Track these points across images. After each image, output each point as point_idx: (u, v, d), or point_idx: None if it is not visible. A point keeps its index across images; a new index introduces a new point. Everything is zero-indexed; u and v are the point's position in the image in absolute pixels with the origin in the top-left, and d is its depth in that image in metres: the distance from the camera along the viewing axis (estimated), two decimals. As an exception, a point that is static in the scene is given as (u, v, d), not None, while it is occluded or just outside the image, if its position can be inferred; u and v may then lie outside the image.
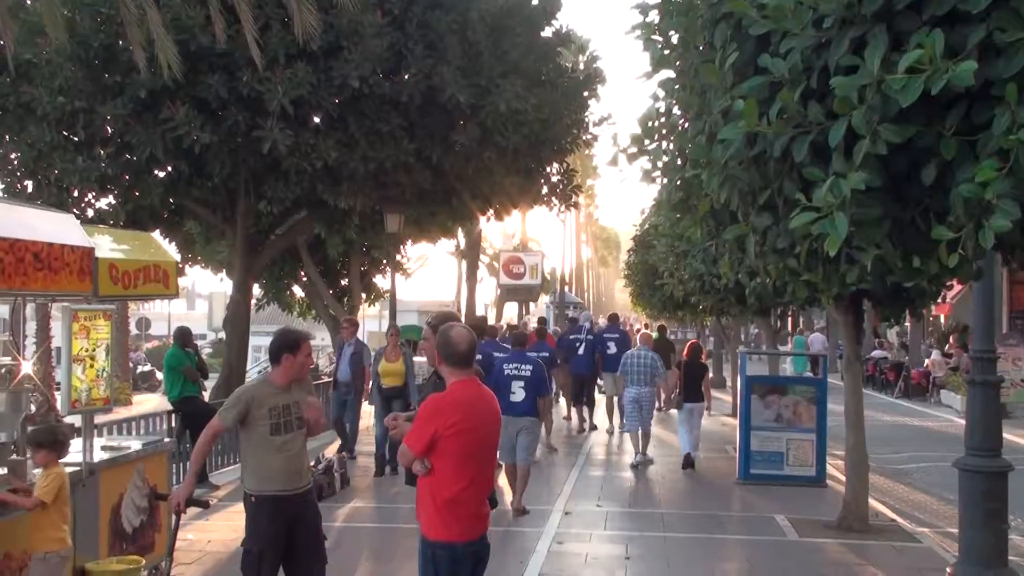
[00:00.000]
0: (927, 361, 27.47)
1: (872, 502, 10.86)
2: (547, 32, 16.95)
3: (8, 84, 13.99)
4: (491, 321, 45.73)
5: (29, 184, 15.79)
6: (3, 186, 16.13)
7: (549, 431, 16.02)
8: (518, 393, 10.70)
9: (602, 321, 25.45)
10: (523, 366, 10.84)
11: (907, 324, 30.97)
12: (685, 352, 14.87)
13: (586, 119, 17.81)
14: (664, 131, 4.63)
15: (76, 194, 15.59)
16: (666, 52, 4.55)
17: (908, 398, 26.76)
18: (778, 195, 3.86)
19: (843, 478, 11.04)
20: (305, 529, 6.11)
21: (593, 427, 18.30)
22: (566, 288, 52.67)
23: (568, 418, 18.78)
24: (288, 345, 6.08)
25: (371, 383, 13.63)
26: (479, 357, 11.44)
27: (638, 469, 13.80)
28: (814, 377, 15.40)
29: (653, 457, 14.34)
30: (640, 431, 13.96)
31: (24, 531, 5.91)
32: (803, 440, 12.60)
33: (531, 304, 43.31)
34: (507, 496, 11.09)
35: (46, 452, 6.11)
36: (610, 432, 17.89)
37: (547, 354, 15.32)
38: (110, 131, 14.13)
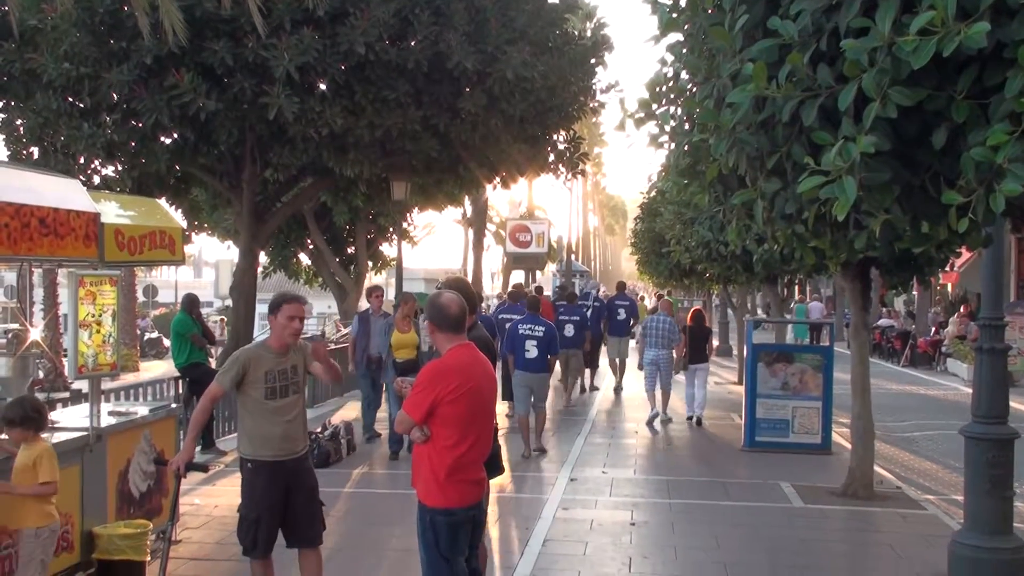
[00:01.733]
0: (945, 331, 27.32)
1: (877, 469, 10.89)
2: (554, -2, 16.82)
3: (13, 51, 13.93)
4: (498, 290, 45.69)
5: (35, 151, 15.79)
6: (9, 153, 16.14)
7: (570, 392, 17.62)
8: (532, 351, 12.27)
9: (602, 291, 25.76)
10: (536, 327, 12.38)
11: (914, 293, 30.93)
12: (689, 318, 15.90)
13: (593, 86, 17.69)
14: (672, 95, 4.59)
15: (82, 161, 15.58)
16: (674, 15, 4.49)
17: (914, 366, 26.77)
18: (787, 159, 3.83)
19: (849, 446, 11.07)
20: (302, 494, 6.13)
21: (595, 388, 19.63)
22: (572, 256, 52.61)
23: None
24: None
25: (384, 357, 12.42)
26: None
27: (653, 424, 14.85)
28: (821, 345, 15.42)
29: (671, 417, 15.30)
30: (659, 389, 15.16)
31: (13, 507, 5.78)
32: (809, 408, 12.62)
33: (538, 272, 43.29)
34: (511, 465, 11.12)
35: (20, 429, 5.79)
36: (617, 390, 19.34)
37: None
38: (116, 98, 14.07)
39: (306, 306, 7.07)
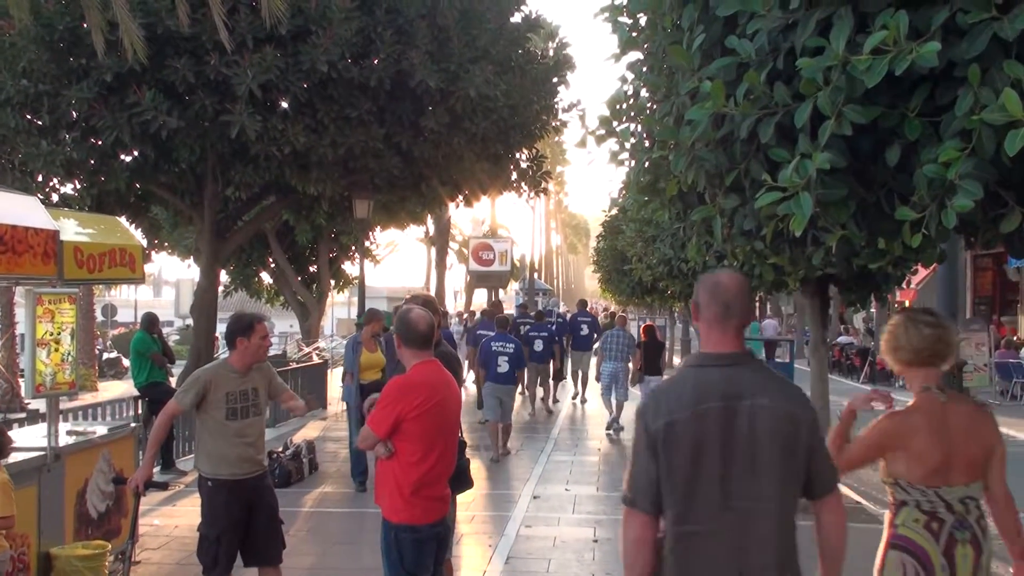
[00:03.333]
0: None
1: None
2: (516, 18, 16.93)
3: (-30, 67, 13.79)
4: (459, 308, 45.67)
5: (-8, 168, 15.59)
6: (-35, 171, 15.92)
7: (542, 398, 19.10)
8: (504, 366, 13.36)
9: (562, 309, 26.33)
10: (507, 344, 13.47)
11: (873, 310, 31.30)
12: (642, 333, 16.50)
13: (555, 105, 17.82)
14: (632, 113, 4.65)
15: (40, 179, 15.41)
16: (634, 35, 4.56)
17: (874, 383, 27.03)
18: (745, 176, 3.89)
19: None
20: (263, 513, 6.10)
21: (556, 400, 20.30)
22: (535, 275, 52.73)
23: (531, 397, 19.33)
24: (242, 328, 6.05)
25: (347, 379, 11.45)
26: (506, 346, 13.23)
27: (611, 434, 15.77)
28: (780, 362, 15.54)
29: (624, 426, 15.76)
30: (615, 401, 15.99)
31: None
32: (770, 424, 12.70)
33: (500, 291, 43.32)
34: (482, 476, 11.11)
35: None
36: (575, 398, 20.90)
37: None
38: (75, 115, 13.94)
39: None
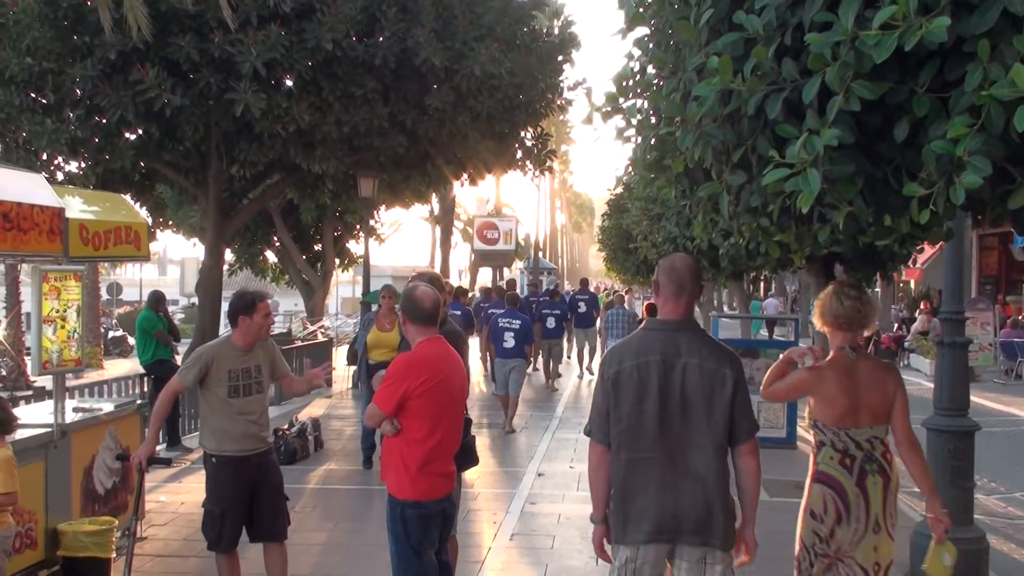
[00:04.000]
0: (912, 327, 27.63)
1: (841, 463, 11.00)
2: (522, -6, 16.84)
3: (-27, 45, 13.76)
4: (466, 286, 45.75)
5: (-4, 146, 15.58)
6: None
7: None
8: (509, 341, 13.92)
9: (566, 288, 26.57)
10: (514, 321, 14.04)
11: (878, 289, 31.27)
12: (644, 311, 16.94)
13: (561, 83, 17.75)
14: (639, 89, 4.62)
15: (45, 157, 15.39)
16: (641, 10, 4.52)
17: (878, 362, 27.00)
18: (752, 152, 3.86)
19: (811, 440, 11.16)
20: (267, 489, 6.13)
21: (558, 375, 20.59)
22: (540, 254, 52.71)
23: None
24: (244, 306, 6.06)
25: (359, 359, 11.05)
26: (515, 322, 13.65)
27: None
28: (786, 340, 15.55)
29: None
30: None
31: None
32: (774, 403, 12.72)
33: (505, 269, 43.32)
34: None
35: None
36: (580, 377, 21.32)
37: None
38: (79, 93, 13.92)
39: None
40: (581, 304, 21.43)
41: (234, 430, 5.97)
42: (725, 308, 34.60)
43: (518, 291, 19.51)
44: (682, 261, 4.30)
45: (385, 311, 10.86)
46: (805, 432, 12.91)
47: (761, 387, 4.99)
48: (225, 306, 19.09)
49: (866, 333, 4.82)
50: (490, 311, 17.90)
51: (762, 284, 36.24)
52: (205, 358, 5.96)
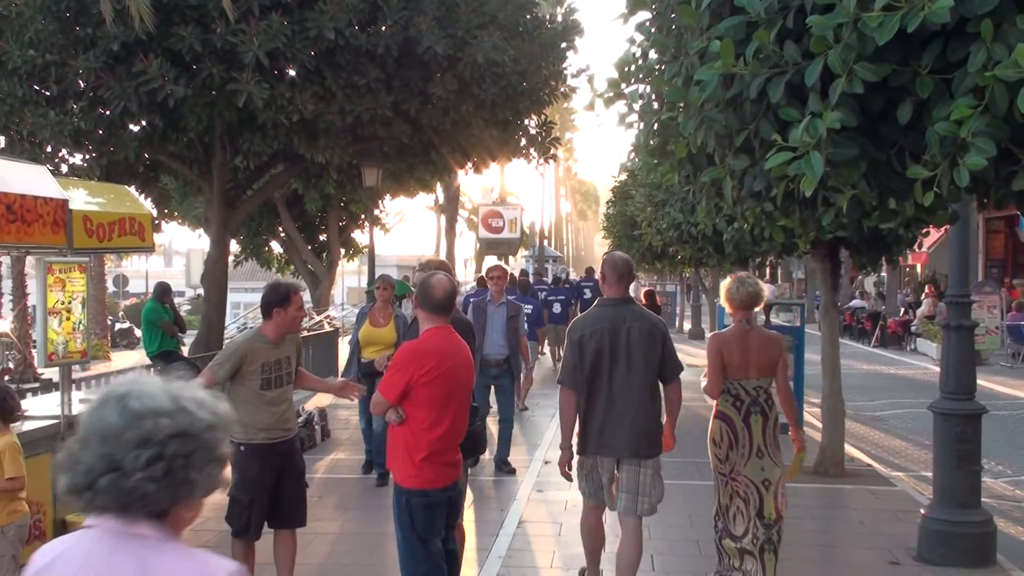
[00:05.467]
0: (917, 311, 27.59)
1: (848, 448, 11.01)
2: (524, -19, 16.77)
3: (-24, 38, 13.75)
4: (472, 275, 45.71)
5: (1, 140, 15.58)
6: (-26, 142, 15.93)
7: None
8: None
9: (572, 275, 26.83)
10: (525, 305, 13.47)
11: (884, 274, 31.18)
12: (643, 298, 16.39)
13: (564, 71, 17.67)
14: (641, 74, 4.61)
15: (49, 149, 15.39)
16: (643, -6, 4.52)
17: (885, 347, 27.01)
18: (755, 136, 3.85)
19: (820, 425, 11.17)
20: (291, 476, 6.14)
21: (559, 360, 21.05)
22: (545, 242, 52.68)
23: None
24: (279, 299, 6.00)
25: (350, 356, 10.24)
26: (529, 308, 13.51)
27: None
28: (791, 326, 15.53)
29: None
30: None
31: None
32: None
33: (510, 258, 43.29)
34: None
35: None
36: None
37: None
38: (82, 85, 13.90)
39: None
40: (587, 291, 22.22)
41: (264, 420, 5.96)
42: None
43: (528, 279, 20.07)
44: (621, 258, 6.02)
45: (380, 304, 9.91)
46: (811, 418, 12.94)
47: (705, 391, 6.34)
48: (232, 297, 19.08)
49: (758, 309, 6.39)
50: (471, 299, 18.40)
51: (768, 270, 36.12)
52: (239, 353, 5.91)
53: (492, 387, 10.35)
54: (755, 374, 6.14)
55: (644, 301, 16.30)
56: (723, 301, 6.34)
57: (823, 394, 10.55)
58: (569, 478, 6.00)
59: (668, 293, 35.59)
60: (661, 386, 5.98)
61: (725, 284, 6.29)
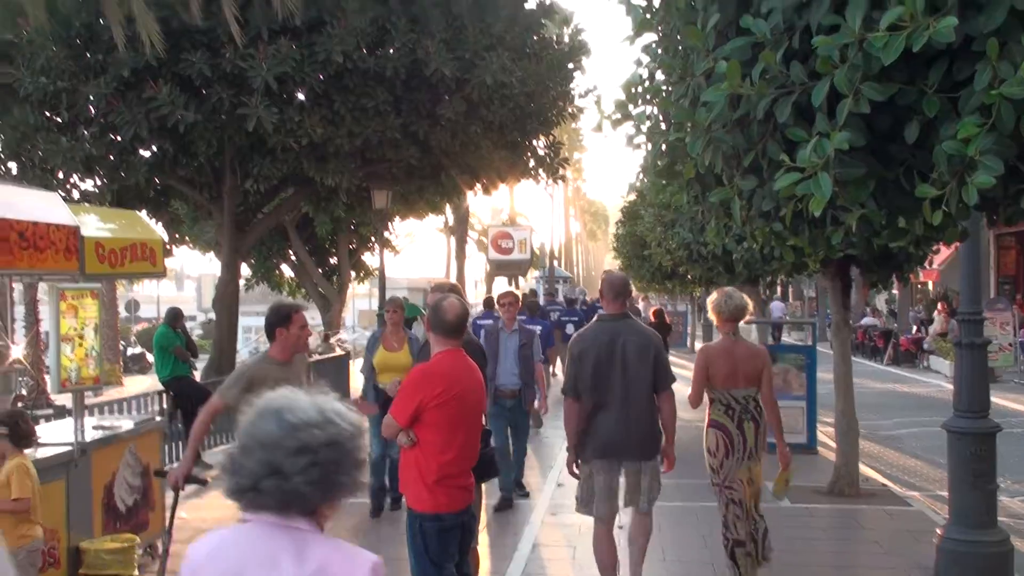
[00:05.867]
0: (930, 328, 27.47)
1: (862, 467, 10.94)
2: (531, 4, 16.87)
3: (-11, 66, 13.89)
4: (482, 296, 45.73)
5: (13, 166, 15.70)
6: (-13, 169, 16.05)
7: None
8: None
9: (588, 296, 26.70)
10: (536, 326, 13.02)
11: (895, 291, 31.08)
12: (652, 315, 16.51)
13: (571, 91, 17.76)
14: (648, 96, 4.62)
15: (61, 176, 15.51)
16: (648, 16, 4.52)
17: (897, 365, 26.88)
18: (762, 157, 3.85)
19: (834, 445, 11.11)
20: None
21: None
22: (555, 262, 52.68)
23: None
24: (280, 318, 5.99)
25: (365, 382, 9.59)
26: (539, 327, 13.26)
27: None
28: (803, 344, 15.48)
29: None
30: None
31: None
32: (793, 408, 12.62)
33: (520, 279, 43.29)
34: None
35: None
36: None
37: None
38: (93, 111, 14.03)
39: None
40: (601, 311, 21.95)
41: None
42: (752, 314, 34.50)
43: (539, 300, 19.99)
44: (617, 277, 6.65)
45: (392, 328, 9.45)
46: (825, 437, 12.88)
47: (689, 401, 6.77)
48: (243, 320, 19.07)
49: (744, 322, 6.85)
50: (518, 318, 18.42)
51: (779, 288, 36.07)
52: (247, 376, 5.88)
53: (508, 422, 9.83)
54: (743, 383, 6.55)
55: (653, 320, 16.27)
56: (711, 314, 6.84)
57: (836, 413, 10.50)
58: (576, 476, 6.49)
59: (679, 312, 35.51)
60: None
61: (712, 298, 6.80)
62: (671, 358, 17.39)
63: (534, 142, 18.27)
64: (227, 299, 17.33)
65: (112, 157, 14.65)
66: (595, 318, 6.54)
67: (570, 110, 18.07)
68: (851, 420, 10.29)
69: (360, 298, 50.99)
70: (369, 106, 14.33)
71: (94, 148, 14.27)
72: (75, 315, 6.98)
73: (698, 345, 32.80)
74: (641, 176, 6.63)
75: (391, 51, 14.21)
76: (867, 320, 31.07)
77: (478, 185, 19.28)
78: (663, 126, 4.69)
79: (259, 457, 2.18)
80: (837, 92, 3.30)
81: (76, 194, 15.97)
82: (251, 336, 37.81)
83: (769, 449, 6.69)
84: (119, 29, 11.75)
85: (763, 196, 4.11)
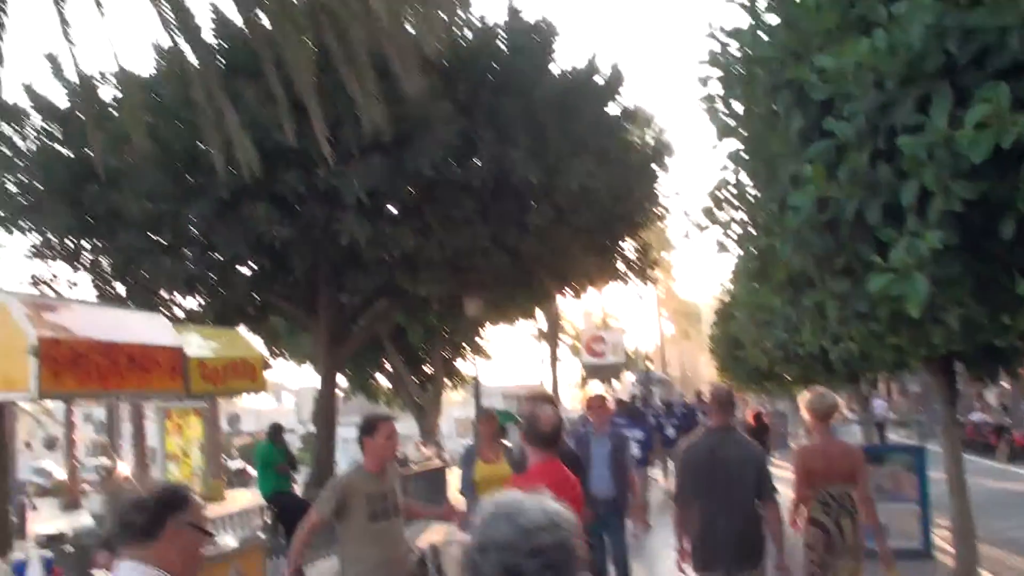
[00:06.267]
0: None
1: (983, 573, 10.42)
2: (612, 108, 17.10)
3: (98, 192, 14.51)
4: (576, 401, 45.44)
5: (119, 287, 16.28)
6: (96, 291, 16.67)
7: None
8: (634, 450, 12.61)
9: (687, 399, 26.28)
10: (635, 431, 13.40)
11: (1006, 384, 29.99)
12: (750, 417, 16.23)
13: (657, 192, 17.85)
14: (734, 201, 4.63)
15: (164, 295, 16.02)
16: (731, 122, 4.56)
17: (1014, 462, 25.74)
18: (854, 258, 3.81)
19: (951, 550, 10.63)
20: None
21: None
22: (650, 364, 52.21)
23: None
24: (366, 429, 6.02)
25: (467, 500, 8.91)
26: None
27: None
28: (912, 444, 14.99)
29: None
30: None
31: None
32: (906, 511, 12.12)
33: (615, 382, 42.93)
34: None
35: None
36: None
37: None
38: (195, 232, 14.53)
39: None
40: (698, 414, 21.42)
41: (376, 555, 5.88)
42: (844, 412, 33.52)
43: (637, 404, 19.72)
44: (722, 391, 6.67)
45: (487, 441, 9.10)
46: (942, 542, 12.34)
47: (790, 522, 6.92)
48: (341, 432, 19.26)
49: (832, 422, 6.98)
50: (615, 420, 18.07)
51: (881, 385, 35.11)
52: (340, 488, 5.89)
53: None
54: (838, 480, 6.73)
55: (752, 422, 15.96)
56: (803, 413, 7.04)
57: (951, 516, 10.06)
58: (683, 572, 6.74)
59: (778, 413, 34.74)
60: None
61: (804, 397, 7.03)
62: (775, 461, 16.97)
63: (622, 244, 18.33)
64: (325, 411, 17.55)
65: (213, 275, 15.12)
66: (706, 430, 6.73)
67: (656, 211, 18.14)
68: (967, 522, 9.84)
69: (456, 406, 51.12)
70: (458, 216, 14.58)
71: (196, 267, 14.75)
72: (180, 433, 7.15)
73: (793, 445, 32.00)
74: (733, 280, 6.63)
75: (478, 161, 14.50)
76: (977, 416, 29.93)
77: (568, 289, 19.35)
78: (752, 230, 4.68)
79: (496, 558, 2.31)
80: (926, 190, 3.27)
81: (179, 312, 16.46)
82: (349, 447, 38.08)
83: (871, 554, 6.76)
84: (218, 153, 12.22)
85: (858, 297, 4.05)
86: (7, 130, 14.72)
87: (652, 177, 17.56)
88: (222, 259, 14.49)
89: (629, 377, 50.08)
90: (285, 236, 13.78)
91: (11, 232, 15.46)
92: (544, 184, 14.72)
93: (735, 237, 4.77)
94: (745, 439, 6.73)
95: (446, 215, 14.64)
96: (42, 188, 14.86)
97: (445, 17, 11.61)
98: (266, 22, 11.54)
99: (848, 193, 3.52)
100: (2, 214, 15.10)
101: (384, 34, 10.28)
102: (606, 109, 16.86)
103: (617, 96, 17.09)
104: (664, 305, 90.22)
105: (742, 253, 4.90)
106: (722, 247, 4.85)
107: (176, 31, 11.02)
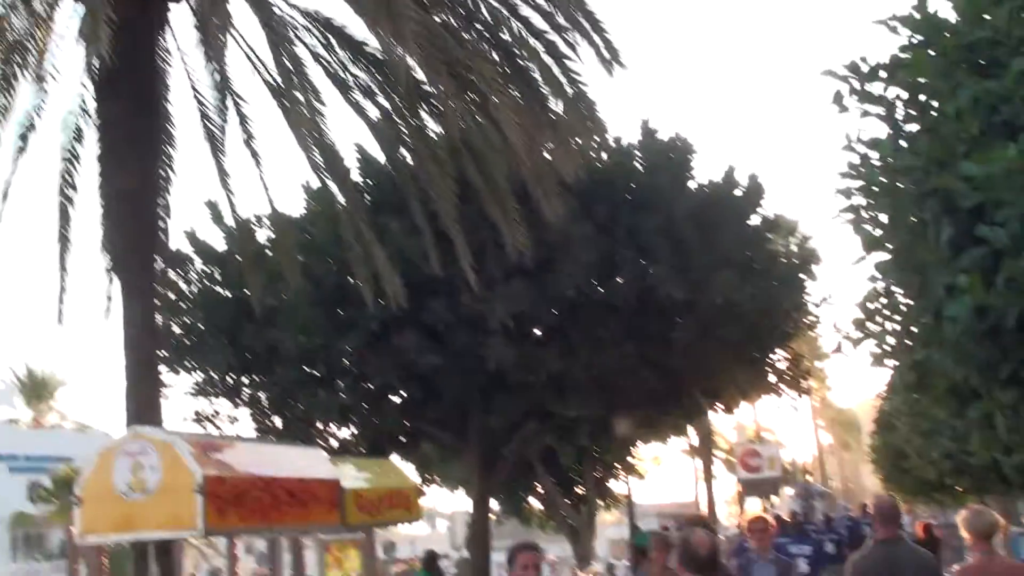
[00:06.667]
0: None
1: None
2: (754, 219, 16.90)
3: (255, 329, 15.08)
4: (734, 518, 44.03)
5: (277, 420, 16.74)
6: (256, 425, 17.18)
7: None
8: (802, 566, 12.07)
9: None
10: (803, 546, 12.59)
11: None
12: (920, 530, 15.54)
13: (805, 301, 17.45)
14: (886, 311, 4.50)
15: (320, 426, 16.39)
16: (876, 232, 4.47)
17: None
18: (1021, 366, 3.65)
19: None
20: None
21: None
22: (809, 477, 50.35)
23: None
24: (508, 559, 6.04)
25: None
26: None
27: None
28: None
29: None
30: None
31: None
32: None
33: (773, 497, 41.44)
34: None
35: None
36: None
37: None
38: (347, 364, 14.90)
39: (539, 552, 6.92)
40: (864, 527, 20.42)
41: None
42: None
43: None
44: (885, 502, 6.73)
45: (658, 571, 8.75)
46: None
47: None
48: (495, 556, 19.18)
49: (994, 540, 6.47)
50: (778, 541, 17.47)
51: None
52: None
53: None
54: None
55: (921, 535, 15.13)
56: (962, 532, 6.78)
57: None
58: None
59: (950, 525, 32.81)
60: None
61: (962, 515, 6.78)
62: (950, 576, 16.02)
63: (772, 356, 17.92)
64: (479, 537, 17.47)
65: (365, 405, 15.43)
66: (871, 542, 6.61)
67: (806, 320, 17.71)
68: None
69: (610, 526, 50.05)
70: (603, 336, 14.55)
71: (348, 398, 15.08)
72: (339, 566, 7.23)
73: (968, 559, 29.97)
74: (889, 392, 6.40)
75: (620, 280, 14.51)
76: None
77: (719, 404, 18.96)
78: (907, 342, 4.54)
79: None
80: (1094, 294, 3.13)
81: (334, 442, 16.79)
82: (504, 572, 37.63)
83: None
84: (367, 287, 12.60)
85: (1028, 407, 3.86)
86: (172, 276, 15.55)
87: (800, 286, 17.20)
88: (373, 388, 14.80)
89: (788, 491, 48.30)
90: (433, 363, 14.00)
91: (177, 372, 16.17)
92: (688, 299, 14.60)
93: (889, 349, 4.62)
94: (918, 548, 6.68)
95: (591, 335, 14.63)
96: (203, 328, 15.56)
97: (581, 142, 11.85)
98: (409, 159, 12.03)
99: (1008, 300, 3.39)
100: (168, 355, 15.83)
101: (523, 163, 10.52)
102: (747, 221, 16.69)
103: (758, 207, 16.92)
104: (820, 415, 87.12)
105: (898, 364, 4.73)
106: (877, 360, 4.69)
107: (325, 173, 11.60)
